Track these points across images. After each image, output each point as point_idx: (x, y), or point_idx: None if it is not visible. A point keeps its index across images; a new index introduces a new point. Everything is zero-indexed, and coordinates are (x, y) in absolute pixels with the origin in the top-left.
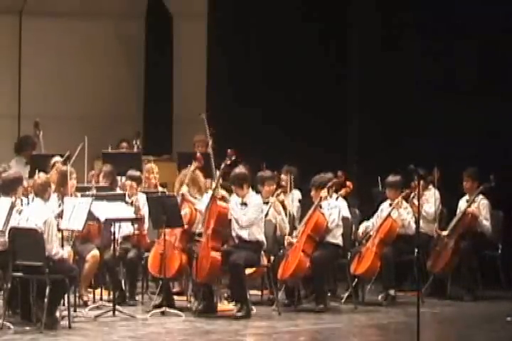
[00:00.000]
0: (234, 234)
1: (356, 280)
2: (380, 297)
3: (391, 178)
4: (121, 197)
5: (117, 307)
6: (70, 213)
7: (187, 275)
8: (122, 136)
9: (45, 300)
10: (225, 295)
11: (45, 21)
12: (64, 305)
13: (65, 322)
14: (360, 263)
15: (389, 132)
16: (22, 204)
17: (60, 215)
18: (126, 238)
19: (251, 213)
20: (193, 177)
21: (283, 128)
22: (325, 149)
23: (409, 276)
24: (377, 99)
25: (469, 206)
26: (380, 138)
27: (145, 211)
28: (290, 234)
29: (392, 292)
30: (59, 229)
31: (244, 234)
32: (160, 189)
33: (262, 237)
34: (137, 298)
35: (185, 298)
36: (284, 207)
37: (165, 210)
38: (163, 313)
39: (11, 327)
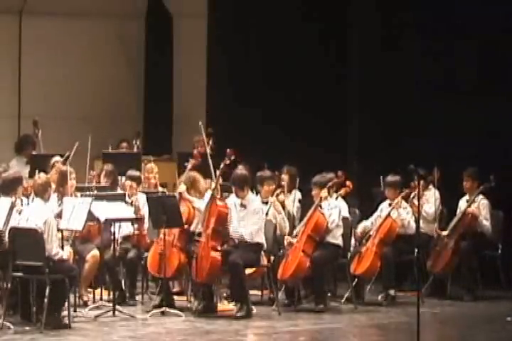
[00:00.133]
0: (233, 234)
1: (356, 280)
2: (380, 297)
3: (390, 178)
4: (121, 197)
5: (117, 307)
6: (69, 213)
7: (186, 275)
8: (122, 136)
9: (45, 300)
10: (225, 295)
11: (45, 21)
12: (64, 305)
13: (65, 322)
14: (360, 263)
15: (389, 132)
16: (22, 204)
17: (59, 215)
18: (126, 238)
19: (252, 223)
20: (194, 181)
21: (283, 128)
22: (325, 149)
23: (409, 276)
24: (377, 99)
25: (469, 206)
26: (380, 138)
27: (145, 211)
28: (290, 234)
29: (392, 292)
30: (59, 229)
31: (247, 237)
32: (160, 189)
33: (262, 239)
34: (137, 298)
35: (185, 298)
36: (284, 207)
37: (165, 210)
38: (163, 313)
39: (11, 327)
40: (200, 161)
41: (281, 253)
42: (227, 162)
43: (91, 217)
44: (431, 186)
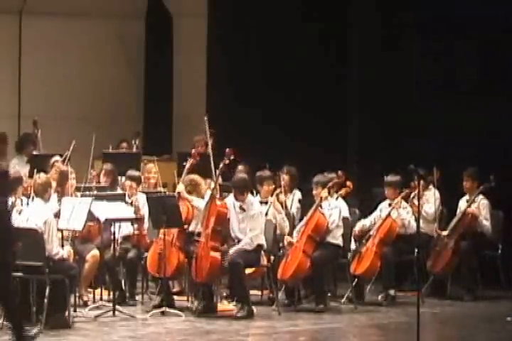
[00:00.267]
0: (233, 235)
1: (356, 280)
2: (380, 297)
3: (390, 178)
4: (121, 197)
5: (117, 307)
6: (69, 213)
7: (186, 275)
8: (122, 136)
9: (45, 300)
10: (225, 294)
11: (45, 21)
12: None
13: (67, 322)
14: (360, 263)
15: (389, 132)
16: (22, 204)
17: (56, 215)
18: (126, 238)
19: (251, 229)
20: (196, 184)
21: (283, 128)
22: (325, 149)
23: (409, 276)
24: (377, 99)
25: (469, 206)
26: (380, 138)
27: (145, 211)
28: (290, 233)
29: (392, 292)
30: (58, 229)
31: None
32: (160, 189)
33: (262, 240)
34: (137, 298)
35: (185, 298)
36: (286, 207)
37: (165, 210)
38: (163, 313)
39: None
40: (198, 161)
41: (281, 253)
42: (227, 162)
43: (91, 217)
44: (431, 186)
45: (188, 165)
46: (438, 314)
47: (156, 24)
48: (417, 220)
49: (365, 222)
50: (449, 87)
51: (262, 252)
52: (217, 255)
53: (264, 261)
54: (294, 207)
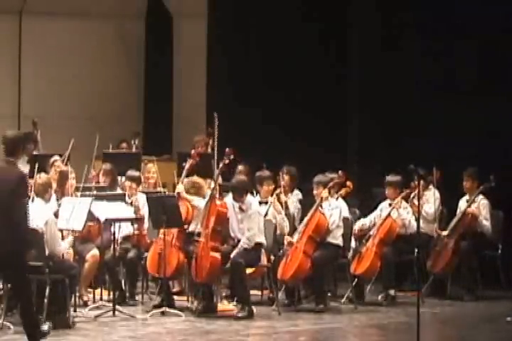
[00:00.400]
0: (233, 235)
1: (356, 280)
2: (380, 297)
3: (391, 178)
4: (121, 197)
5: (117, 307)
6: (69, 213)
7: (185, 275)
8: (122, 136)
9: (45, 300)
10: (224, 294)
11: (45, 21)
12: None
13: (67, 322)
14: (360, 263)
15: (389, 132)
16: None
17: (55, 215)
18: (126, 238)
19: (250, 228)
20: (199, 187)
21: (283, 128)
22: (325, 149)
23: (409, 276)
24: (377, 99)
25: (469, 206)
26: (380, 138)
27: (145, 211)
28: (290, 233)
29: (392, 292)
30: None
31: (245, 245)
32: (160, 189)
33: (261, 238)
34: (137, 298)
35: (185, 298)
36: (287, 207)
37: (165, 210)
38: (163, 313)
39: (11, 327)
40: (198, 161)
41: (281, 253)
42: (227, 161)
43: (91, 217)
44: (431, 186)
45: (187, 165)
46: (438, 314)
47: (156, 24)
48: (417, 220)
49: (365, 221)
50: (449, 87)
51: (263, 250)
52: (217, 255)
53: (264, 260)
54: (294, 207)
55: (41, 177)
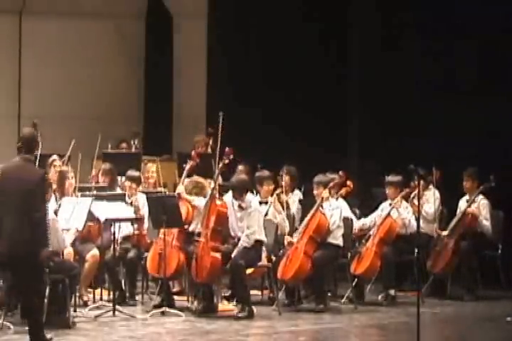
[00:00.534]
0: (233, 233)
1: (356, 280)
2: (380, 297)
3: (392, 177)
4: (121, 197)
5: (117, 307)
6: (69, 213)
7: (186, 275)
8: (122, 136)
9: (45, 300)
10: (224, 295)
11: (45, 21)
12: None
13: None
14: (360, 263)
15: (389, 132)
16: None
17: (55, 214)
18: (126, 238)
19: (249, 226)
20: (202, 187)
21: (283, 128)
22: (325, 149)
23: (409, 276)
24: (377, 99)
25: (469, 206)
26: (380, 138)
27: (145, 211)
28: (290, 233)
29: (392, 292)
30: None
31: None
32: (160, 189)
33: (261, 236)
34: (137, 298)
35: (185, 298)
36: (288, 207)
37: (165, 210)
38: (163, 313)
39: (11, 327)
40: (198, 162)
41: (281, 253)
42: (226, 161)
43: (91, 217)
44: (431, 186)
45: (187, 166)
46: (438, 314)
47: (156, 24)
48: (417, 220)
49: (366, 221)
50: (449, 87)
51: (264, 248)
52: (217, 255)
53: (264, 260)
54: (295, 207)
55: None
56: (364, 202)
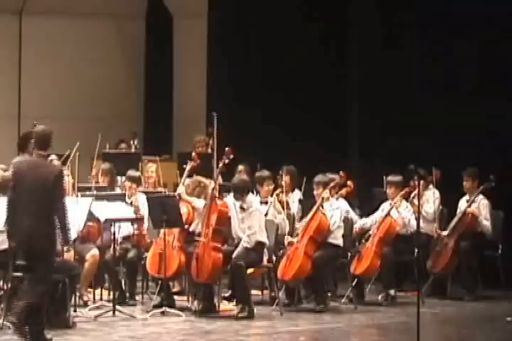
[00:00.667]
0: (235, 235)
1: (356, 280)
2: (380, 297)
3: (392, 177)
4: (121, 197)
5: (117, 307)
6: (69, 213)
7: (186, 275)
8: (122, 136)
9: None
10: (224, 295)
11: (45, 21)
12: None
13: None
14: (359, 262)
15: (389, 132)
16: None
17: None
18: (126, 238)
19: (250, 226)
20: (205, 187)
21: (283, 128)
22: (325, 149)
23: (409, 276)
24: (377, 99)
25: (469, 206)
26: (380, 138)
27: (145, 211)
28: (290, 233)
29: (392, 292)
30: None
31: (245, 244)
32: (160, 188)
33: (263, 237)
34: (137, 298)
35: (185, 298)
36: (288, 207)
37: (165, 210)
38: (163, 313)
39: (11, 327)
40: (198, 163)
41: (281, 252)
42: (226, 161)
43: (91, 217)
44: (431, 186)
45: (188, 167)
46: (438, 314)
47: (156, 24)
48: (417, 220)
49: (366, 221)
50: (449, 87)
51: (266, 251)
52: (219, 255)
53: (264, 260)
54: (295, 207)
55: None
56: (364, 202)
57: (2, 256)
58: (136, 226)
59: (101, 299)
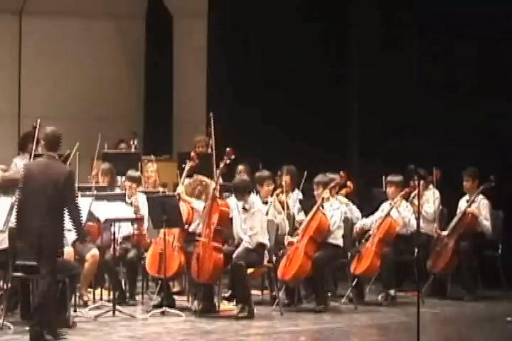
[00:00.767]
0: (236, 236)
1: (356, 280)
2: (380, 297)
3: (392, 177)
4: (121, 197)
5: (117, 307)
6: None
7: (186, 275)
8: (122, 136)
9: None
10: (224, 295)
11: (45, 21)
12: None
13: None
14: (359, 262)
15: (389, 132)
16: None
17: None
18: (126, 238)
19: (251, 227)
20: (207, 186)
21: (283, 128)
22: (325, 149)
23: (409, 276)
24: (377, 99)
25: (469, 206)
26: (380, 139)
27: (145, 211)
28: (290, 233)
29: (392, 292)
30: None
31: (246, 244)
32: (159, 188)
33: (264, 239)
34: (137, 298)
35: (185, 298)
36: (288, 207)
37: (165, 210)
38: (163, 313)
39: (11, 327)
40: (197, 163)
41: (281, 252)
42: (227, 161)
43: (91, 217)
44: (431, 186)
45: (187, 167)
46: (438, 314)
47: (156, 24)
48: (417, 220)
49: (367, 222)
50: (449, 87)
51: (266, 252)
52: (219, 255)
53: (265, 260)
54: (295, 207)
55: None
56: (364, 202)
57: (2, 255)
58: (136, 226)
59: (101, 299)
